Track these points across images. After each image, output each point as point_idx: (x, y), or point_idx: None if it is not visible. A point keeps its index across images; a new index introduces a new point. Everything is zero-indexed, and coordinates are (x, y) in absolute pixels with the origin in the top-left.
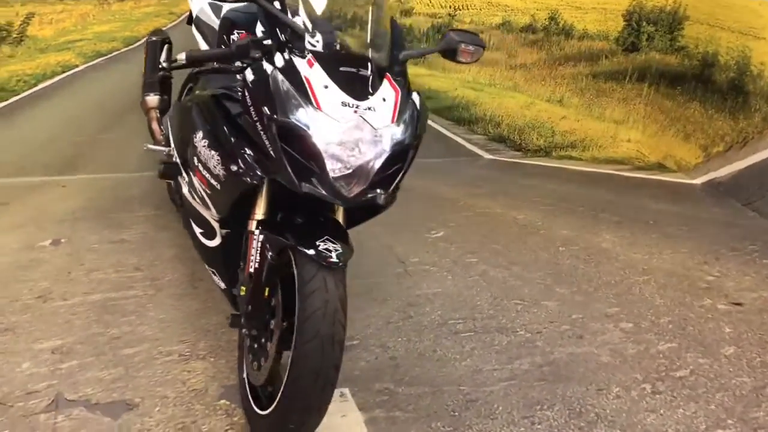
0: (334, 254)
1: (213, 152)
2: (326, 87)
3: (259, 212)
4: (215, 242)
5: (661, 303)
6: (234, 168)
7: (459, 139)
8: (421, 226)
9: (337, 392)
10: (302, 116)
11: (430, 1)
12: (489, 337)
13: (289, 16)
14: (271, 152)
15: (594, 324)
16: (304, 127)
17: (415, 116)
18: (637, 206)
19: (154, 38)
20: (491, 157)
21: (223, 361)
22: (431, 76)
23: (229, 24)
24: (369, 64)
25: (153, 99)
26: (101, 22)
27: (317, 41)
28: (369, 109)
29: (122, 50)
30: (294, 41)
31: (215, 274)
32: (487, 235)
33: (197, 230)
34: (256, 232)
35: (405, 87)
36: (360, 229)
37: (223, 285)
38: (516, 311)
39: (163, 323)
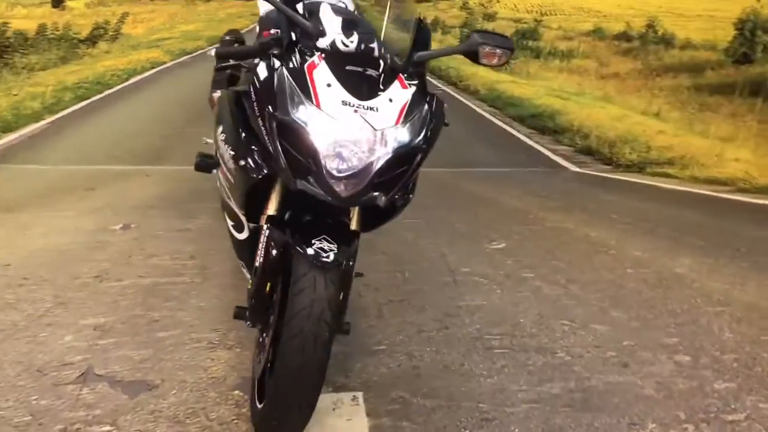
0: (329, 254)
1: (227, 147)
2: (329, 85)
3: (272, 208)
4: (243, 235)
5: (730, 338)
6: (242, 163)
7: (543, 150)
8: (482, 236)
9: (349, 395)
10: (301, 113)
11: (515, 6)
12: (524, 356)
13: (327, 14)
14: (271, 148)
15: (644, 353)
16: (302, 125)
17: (427, 119)
18: (728, 231)
19: (227, 38)
20: (577, 169)
21: (248, 352)
22: (513, 82)
23: (265, 23)
24: (380, 64)
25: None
26: (188, 21)
27: (328, 41)
28: (371, 109)
29: (205, 48)
30: (304, 40)
31: (243, 267)
32: (550, 250)
33: (229, 222)
34: (265, 227)
35: (420, 88)
36: (414, 234)
37: (249, 277)
38: (561, 332)
39: (201, 311)
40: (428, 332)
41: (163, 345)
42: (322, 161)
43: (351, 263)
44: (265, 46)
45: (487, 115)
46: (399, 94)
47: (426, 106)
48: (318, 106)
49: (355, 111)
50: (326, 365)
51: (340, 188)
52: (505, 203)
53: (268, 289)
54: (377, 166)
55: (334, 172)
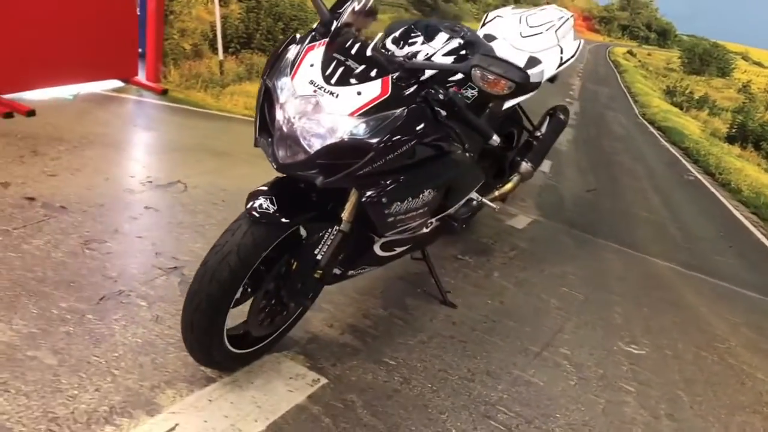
0: (264, 213)
1: None
2: (312, 65)
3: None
4: None
5: None
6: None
7: None
8: (629, 336)
9: (314, 376)
10: (278, 82)
11: None
12: None
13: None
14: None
15: None
16: (274, 90)
17: (396, 125)
18: None
19: None
20: None
21: None
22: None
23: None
24: (368, 61)
25: None
26: None
27: (340, 29)
28: (331, 93)
29: None
30: (320, 27)
31: None
32: (688, 380)
33: None
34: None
35: (406, 96)
36: (560, 300)
37: None
38: None
39: None
40: (454, 380)
41: None
42: (276, 126)
43: (313, 243)
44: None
45: (742, 219)
46: (371, 91)
47: (411, 114)
48: (292, 78)
49: (315, 91)
50: (221, 304)
51: (280, 154)
52: (698, 313)
53: None
54: (319, 145)
55: (277, 136)
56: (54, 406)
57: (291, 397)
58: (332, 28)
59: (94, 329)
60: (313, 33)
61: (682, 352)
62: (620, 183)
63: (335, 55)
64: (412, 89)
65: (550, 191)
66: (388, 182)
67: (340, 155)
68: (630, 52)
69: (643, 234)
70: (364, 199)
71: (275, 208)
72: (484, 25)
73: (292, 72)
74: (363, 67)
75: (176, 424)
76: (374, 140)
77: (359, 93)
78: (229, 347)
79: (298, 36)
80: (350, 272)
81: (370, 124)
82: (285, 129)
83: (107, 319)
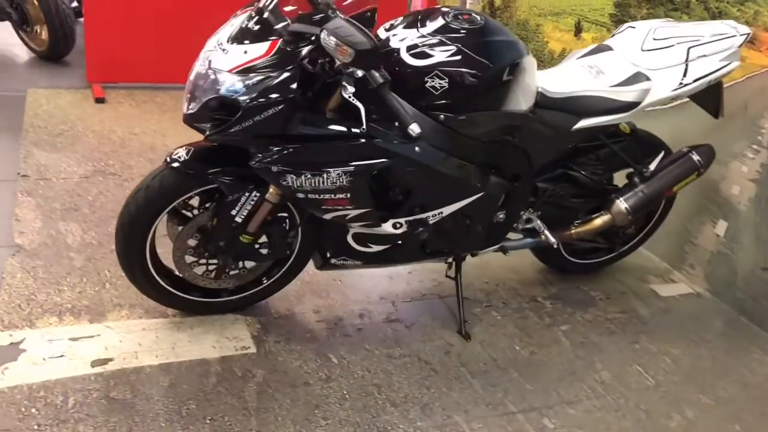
0: (176, 160)
1: None
2: (231, 25)
3: None
4: None
5: None
6: None
7: None
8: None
9: (247, 344)
10: (209, 40)
11: None
12: None
13: None
14: None
15: None
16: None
17: (261, 85)
18: None
19: None
20: None
21: None
22: None
23: None
24: (264, 23)
25: None
26: None
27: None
28: (224, 50)
29: None
30: None
31: None
32: None
33: None
34: None
35: (287, 59)
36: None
37: None
38: None
39: None
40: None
41: None
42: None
43: (230, 202)
44: None
45: None
46: (257, 51)
47: (285, 77)
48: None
49: (213, 48)
50: (132, 238)
51: (184, 106)
52: None
53: None
54: (204, 99)
55: (185, 93)
56: (42, 293)
57: (207, 351)
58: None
59: None
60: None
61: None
62: None
63: (249, 16)
64: (296, 54)
65: (722, 260)
66: (276, 149)
67: (221, 111)
68: None
69: None
70: (252, 163)
71: (187, 158)
72: (613, 36)
73: (217, 32)
74: (259, 27)
75: (98, 334)
76: (244, 98)
77: (245, 52)
78: (161, 282)
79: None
80: (332, 260)
81: (245, 83)
82: (188, 83)
83: None
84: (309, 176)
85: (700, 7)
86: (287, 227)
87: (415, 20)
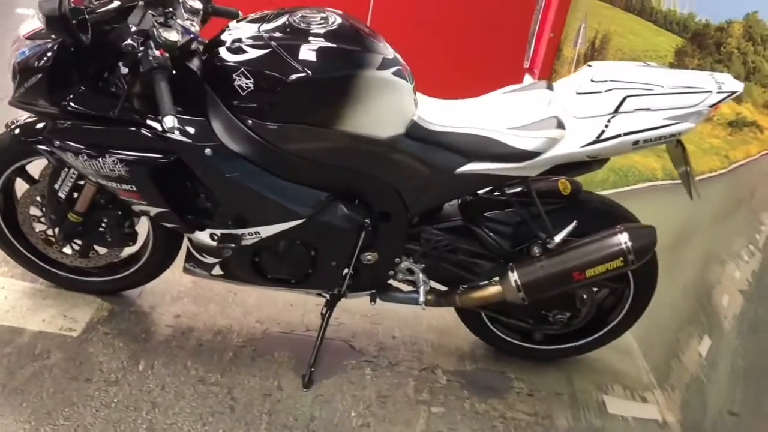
0: (18, 126)
1: None
2: None
3: None
4: None
5: None
6: None
7: None
8: None
9: (77, 327)
10: None
11: None
12: None
13: None
14: None
15: None
16: None
17: (30, 52)
18: None
19: None
20: None
21: None
22: None
23: None
24: None
25: None
26: None
27: None
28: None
29: None
30: None
31: None
32: None
33: None
34: None
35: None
36: None
37: None
38: None
39: None
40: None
41: None
42: None
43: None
44: None
45: None
46: None
47: (49, 46)
48: None
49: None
50: None
51: None
52: None
53: None
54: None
55: None
56: None
57: (32, 323)
58: None
59: None
60: None
61: None
62: None
63: None
64: (66, 24)
65: (698, 389)
66: (59, 123)
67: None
68: None
69: None
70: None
71: (27, 125)
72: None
73: None
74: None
75: None
76: (18, 60)
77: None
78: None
79: None
80: (185, 264)
81: (25, 48)
82: None
83: None
84: (86, 158)
85: (740, 60)
86: (123, 216)
87: (265, 16)
